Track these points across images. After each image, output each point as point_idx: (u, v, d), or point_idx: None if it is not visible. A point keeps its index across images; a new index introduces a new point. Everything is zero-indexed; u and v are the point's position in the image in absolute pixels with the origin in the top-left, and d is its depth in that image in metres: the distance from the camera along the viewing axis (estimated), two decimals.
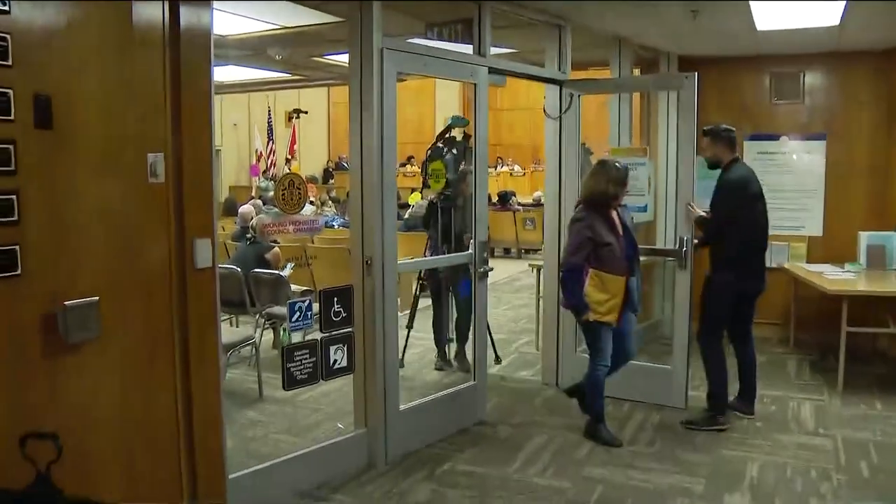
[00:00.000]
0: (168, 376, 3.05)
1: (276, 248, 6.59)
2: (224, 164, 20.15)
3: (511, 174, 21.48)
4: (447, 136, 5.76)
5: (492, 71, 4.80)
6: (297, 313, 3.81)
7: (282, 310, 6.30)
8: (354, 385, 4.23)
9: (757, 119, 7.23)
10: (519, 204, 14.28)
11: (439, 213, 5.76)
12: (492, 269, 4.84)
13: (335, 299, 3.94)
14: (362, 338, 4.12)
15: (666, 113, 7.01)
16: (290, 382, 3.77)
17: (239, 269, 6.25)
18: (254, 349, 5.63)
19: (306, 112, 21.75)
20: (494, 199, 13.86)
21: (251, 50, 7.09)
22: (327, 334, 3.91)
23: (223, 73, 8.75)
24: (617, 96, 6.51)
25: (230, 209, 14.37)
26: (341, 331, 3.97)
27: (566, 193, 5.53)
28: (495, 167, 22.19)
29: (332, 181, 20.78)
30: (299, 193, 3.67)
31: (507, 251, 14.35)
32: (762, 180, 4.85)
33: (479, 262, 4.78)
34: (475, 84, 4.70)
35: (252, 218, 8.08)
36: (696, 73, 5.02)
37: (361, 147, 4.04)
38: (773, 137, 7.19)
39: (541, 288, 7.64)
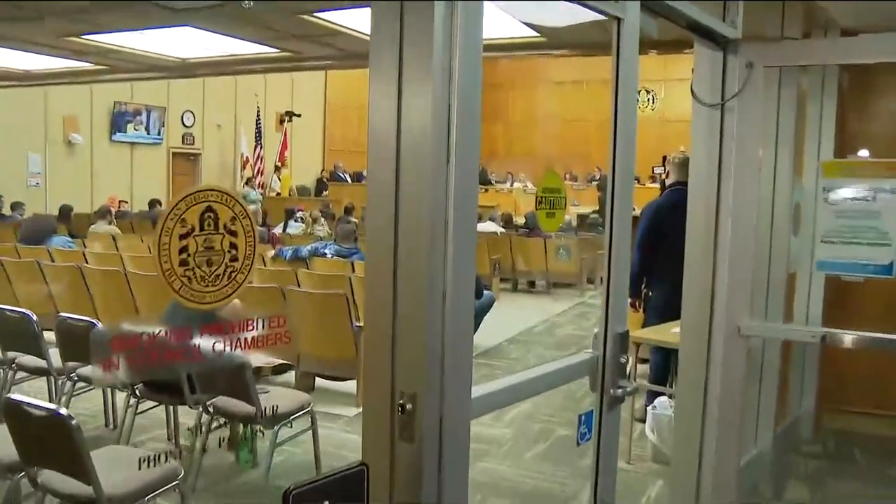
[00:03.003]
0: None
1: (237, 302, 4.22)
2: (204, 170, 17.85)
3: (525, 191, 19.02)
4: None
5: (643, 8, 2.48)
6: None
7: (240, 406, 3.95)
8: None
9: None
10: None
11: None
12: (635, 390, 2.48)
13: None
14: None
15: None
16: None
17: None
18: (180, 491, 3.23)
19: (299, 115, 19.44)
20: (520, 220, 11.53)
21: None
22: None
23: (183, 46, 6.39)
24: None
25: None
26: None
27: (736, 225, 3.20)
28: (508, 182, 19.96)
29: (325, 193, 18.44)
30: (233, 254, 1.30)
31: (531, 284, 11.98)
32: None
33: (613, 372, 2.43)
34: (618, 21, 2.37)
35: None
36: None
37: (398, 148, 1.66)
38: None
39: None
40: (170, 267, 1.23)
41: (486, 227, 11.96)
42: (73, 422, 2.60)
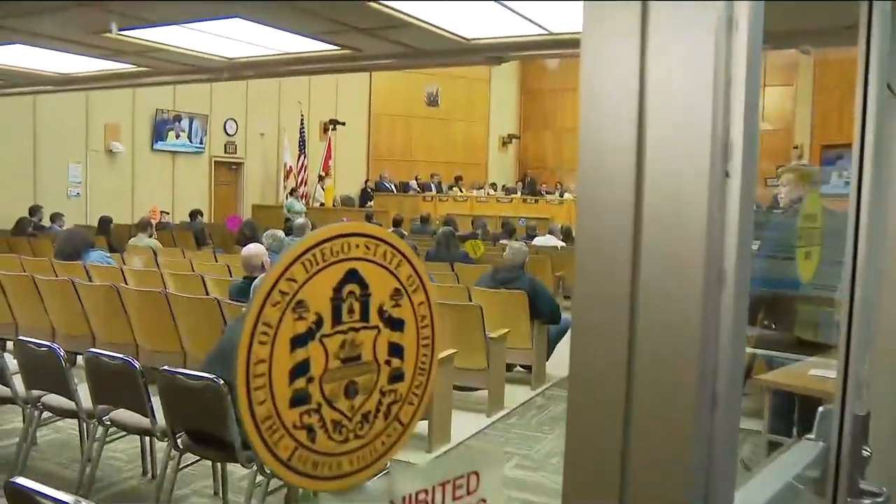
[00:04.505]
0: None
1: None
2: (248, 179, 17.37)
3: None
4: None
5: None
6: None
7: None
8: None
9: None
10: None
11: None
12: (888, 500, 1.75)
13: None
14: None
15: None
16: None
17: (221, 382, 3.24)
18: None
19: (343, 123, 18.89)
20: None
21: None
22: None
23: (231, 44, 5.79)
24: None
25: (251, 237, 11.45)
26: None
27: None
28: (557, 192, 19.17)
29: (370, 203, 17.81)
30: (395, 366, 0.61)
31: None
32: None
33: (853, 472, 1.71)
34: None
35: (262, 264, 5.13)
36: None
37: (640, 155, 0.95)
38: None
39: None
40: (270, 412, 0.55)
41: (547, 241, 11.21)
42: None
